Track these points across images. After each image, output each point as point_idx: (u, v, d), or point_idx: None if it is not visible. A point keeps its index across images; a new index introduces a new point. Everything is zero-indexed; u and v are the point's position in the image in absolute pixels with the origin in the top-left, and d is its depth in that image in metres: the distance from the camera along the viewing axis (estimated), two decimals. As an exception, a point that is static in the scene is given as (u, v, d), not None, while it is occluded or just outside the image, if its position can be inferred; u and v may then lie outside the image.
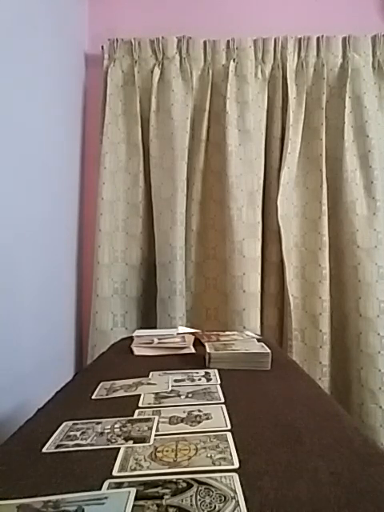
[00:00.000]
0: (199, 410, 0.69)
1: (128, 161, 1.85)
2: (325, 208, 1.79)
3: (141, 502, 0.43)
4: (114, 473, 0.50)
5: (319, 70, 1.83)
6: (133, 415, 0.68)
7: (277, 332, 1.83)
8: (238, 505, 0.43)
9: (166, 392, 0.79)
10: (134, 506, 0.43)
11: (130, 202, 1.84)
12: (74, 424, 0.65)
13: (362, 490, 0.46)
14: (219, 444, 0.56)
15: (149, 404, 0.73)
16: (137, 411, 0.69)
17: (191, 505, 0.43)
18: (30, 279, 1.40)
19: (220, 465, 0.51)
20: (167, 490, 0.45)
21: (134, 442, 0.58)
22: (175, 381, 0.85)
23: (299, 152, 1.83)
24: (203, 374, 0.90)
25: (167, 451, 0.55)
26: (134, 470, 0.50)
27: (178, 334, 1.29)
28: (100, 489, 0.47)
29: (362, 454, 0.55)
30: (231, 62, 1.83)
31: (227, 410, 0.68)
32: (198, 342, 1.17)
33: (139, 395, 0.77)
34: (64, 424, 0.65)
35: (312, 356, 1.75)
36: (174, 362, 1.01)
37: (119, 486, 0.47)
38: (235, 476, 0.48)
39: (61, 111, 1.69)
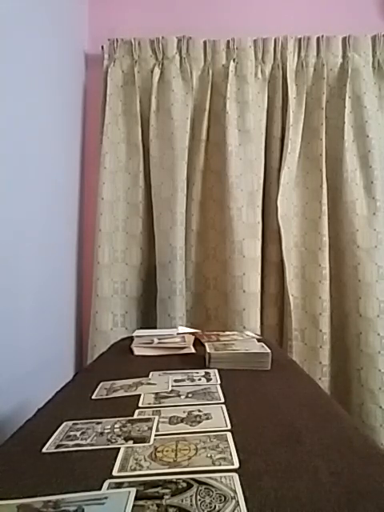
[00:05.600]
0: (199, 410, 0.69)
1: (128, 161, 1.85)
2: (325, 208, 1.79)
3: (141, 502, 0.43)
4: (114, 473, 0.50)
5: (319, 70, 1.83)
6: (133, 415, 0.68)
7: (277, 332, 1.83)
8: (238, 505, 0.43)
9: (166, 392, 0.79)
10: (133, 505, 0.43)
11: (130, 201, 1.84)
12: (74, 424, 0.65)
13: (361, 490, 0.46)
14: (219, 444, 0.56)
15: (149, 404, 0.73)
16: (137, 411, 0.69)
17: (191, 505, 0.43)
18: (30, 279, 1.40)
19: (220, 465, 0.51)
20: (167, 490, 0.45)
21: (134, 442, 0.58)
22: (175, 381, 0.85)
23: (299, 152, 1.83)
24: (203, 373, 0.90)
25: (167, 451, 0.55)
26: (134, 470, 0.50)
27: (178, 333, 1.29)
28: (100, 489, 0.47)
29: (362, 454, 0.55)
30: (231, 62, 1.83)
31: (227, 410, 0.68)
32: (198, 342, 1.17)
33: (139, 395, 0.77)
34: (64, 424, 0.65)
35: (312, 356, 1.75)
36: (174, 362, 1.01)
37: (119, 486, 0.47)
38: (235, 476, 0.48)
39: (61, 111, 1.69)
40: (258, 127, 1.82)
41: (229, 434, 0.59)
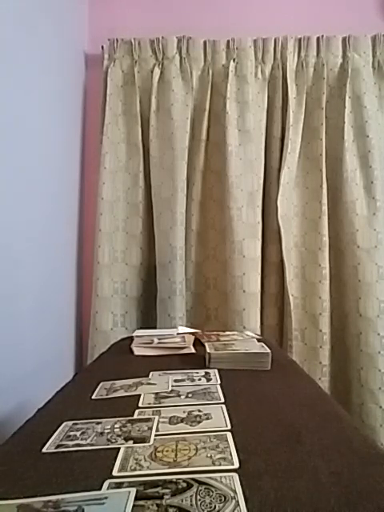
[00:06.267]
0: (199, 410, 0.69)
1: (128, 161, 1.85)
2: (325, 208, 1.79)
3: (141, 502, 0.43)
4: (114, 473, 0.50)
5: (319, 70, 1.83)
6: (133, 415, 0.68)
7: (277, 332, 1.83)
8: (238, 505, 0.43)
9: (166, 392, 0.79)
10: (133, 505, 0.43)
11: (130, 201, 1.84)
12: (74, 424, 0.65)
13: (362, 490, 0.46)
14: (219, 444, 0.56)
15: (149, 404, 0.73)
16: (137, 411, 0.69)
17: (191, 505, 0.43)
18: (30, 279, 1.40)
19: (220, 465, 0.51)
20: (167, 490, 0.45)
21: (134, 442, 0.58)
22: (175, 381, 0.85)
23: (299, 152, 1.83)
24: (203, 373, 0.90)
25: (167, 451, 0.55)
26: (134, 470, 0.50)
27: (178, 333, 1.29)
28: (100, 489, 0.47)
29: (362, 454, 0.55)
30: (231, 62, 1.83)
31: (227, 410, 0.68)
32: (198, 342, 1.17)
33: (139, 395, 0.77)
34: (64, 424, 0.65)
35: (312, 356, 1.75)
36: (174, 362, 1.01)
37: (119, 486, 0.47)
38: (235, 476, 0.48)
39: (61, 111, 1.69)
40: (258, 127, 1.82)
41: (229, 434, 0.59)
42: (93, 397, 0.79)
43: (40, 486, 0.48)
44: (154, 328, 1.74)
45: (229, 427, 0.62)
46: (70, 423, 0.66)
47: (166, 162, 1.80)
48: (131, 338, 1.25)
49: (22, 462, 0.54)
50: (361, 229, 1.74)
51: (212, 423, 0.64)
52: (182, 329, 1.39)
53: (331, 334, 1.78)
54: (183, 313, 1.78)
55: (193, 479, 0.47)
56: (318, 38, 1.84)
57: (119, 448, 0.56)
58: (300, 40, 1.84)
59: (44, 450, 0.57)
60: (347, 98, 1.79)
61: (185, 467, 0.51)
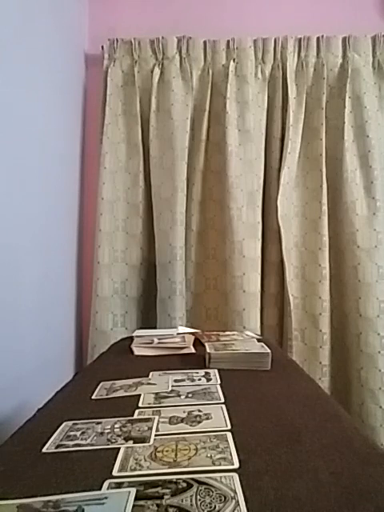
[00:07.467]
0: (199, 410, 0.69)
1: (128, 161, 1.85)
2: (325, 208, 1.79)
3: (141, 502, 0.43)
4: (114, 473, 0.50)
5: (319, 70, 1.83)
6: (133, 415, 0.68)
7: (277, 332, 1.83)
8: (238, 505, 0.43)
9: (165, 392, 0.79)
10: (133, 505, 0.43)
11: (130, 201, 1.84)
12: (74, 424, 0.65)
13: (362, 490, 0.46)
14: (219, 444, 0.56)
15: (149, 404, 0.73)
16: (137, 411, 0.69)
17: (191, 505, 0.43)
18: (30, 279, 1.40)
19: (220, 465, 0.51)
20: (167, 490, 0.45)
21: (134, 442, 0.58)
22: (175, 381, 0.85)
23: (299, 152, 1.83)
24: (203, 373, 0.90)
25: (167, 451, 0.55)
26: (134, 470, 0.50)
27: (178, 333, 1.29)
28: (100, 489, 0.47)
29: (362, 454, 0.55)
30: (231, 62, 1.83)
31: (227, 410, 0.68)
32: (198, 342, 1.17)
33: (139, 395, 0.77)
34: (64, 424, 0.65)
35: (312, 356, 1.75)
36: (174, 362, 1.01)
37: (119, 486, 0.47)
38: (235, 476, 0.48)
39: (61, 111, 1.69)
40: (258, 127, 1.82)
41: (229, 434, 0.59)
42: (93, 397, 0.79)
43: (40, 486, 0.48)
44: (154, 328, 1.74)
45: (229, 427, 0.62)
46: (70, 423, 0.66)
47: (165, 162, 1.80)
48: (131, 338, 1.25)
49: (21, 462, 0.54)
50: (361, 229, 1.74)
51: (212, 423, 0.64)
52: (182, 329, 1.39)
53: (331, 334, 1.78)
54: (183, 313, 1.78)
55: (193, 479, 0.47)
56: (318, 38, 1.84)
57: (119, 448, 0.56)
58: (300, 40, 1.84)
59: (44, 449, 0.57)
60: (347, 98, 1.79)
61: (185, 467, 0.51)
